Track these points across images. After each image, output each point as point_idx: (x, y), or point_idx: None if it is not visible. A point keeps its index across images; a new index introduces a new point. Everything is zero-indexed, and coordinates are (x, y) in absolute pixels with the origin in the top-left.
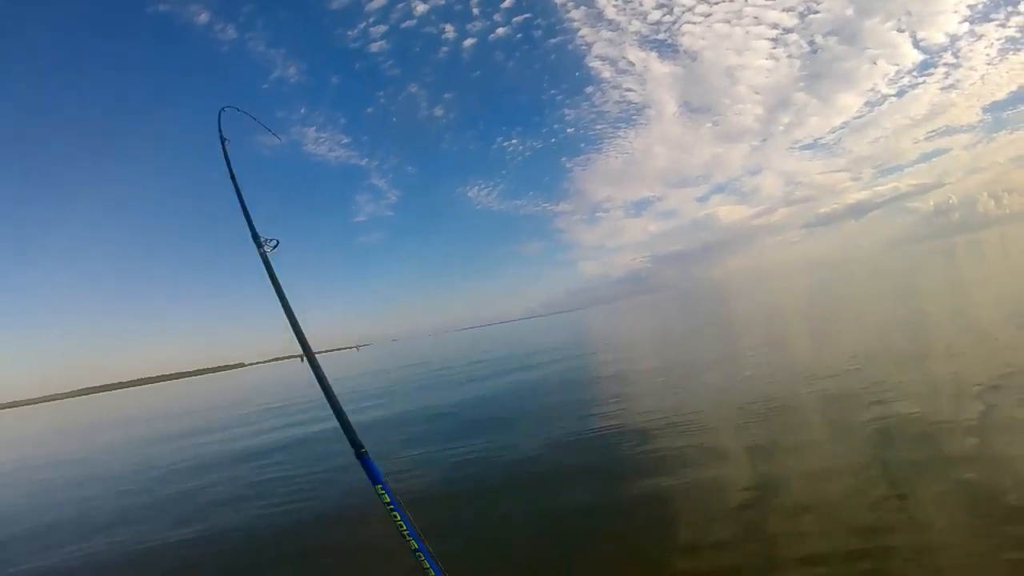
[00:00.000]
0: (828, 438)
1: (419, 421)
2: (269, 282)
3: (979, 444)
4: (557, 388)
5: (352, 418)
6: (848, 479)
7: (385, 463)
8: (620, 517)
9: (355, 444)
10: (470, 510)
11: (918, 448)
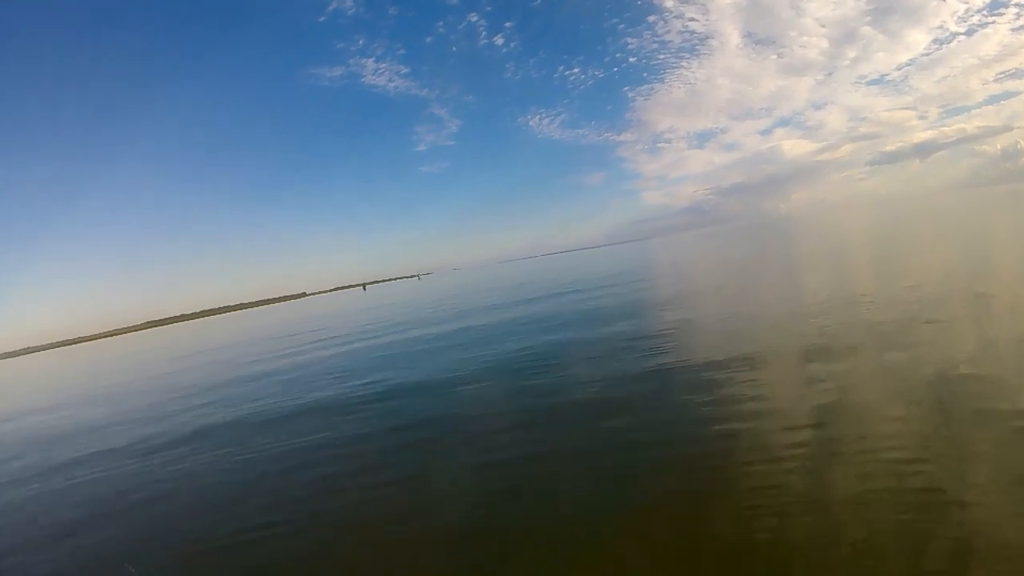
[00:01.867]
0: (886, 383)
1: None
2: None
3: None
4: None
5: None
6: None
7: None
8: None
9: None
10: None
11: (975, 393)
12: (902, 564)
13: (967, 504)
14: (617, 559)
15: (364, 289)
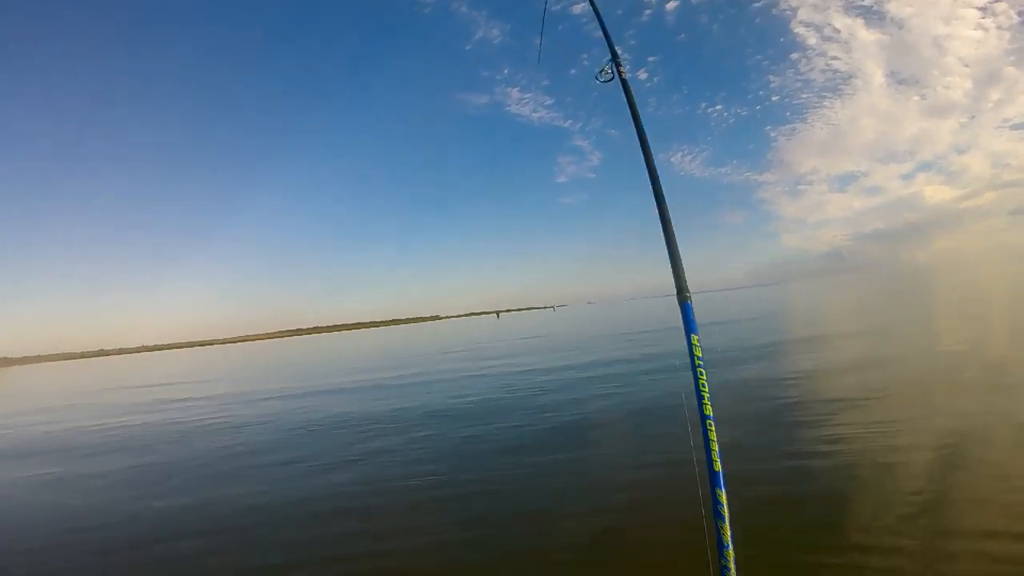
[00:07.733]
0: None
1: None
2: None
3: None
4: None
5: None
6: None
7: None
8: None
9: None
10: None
11: None
12: None
13: None
14: None
15: (498, 316)
